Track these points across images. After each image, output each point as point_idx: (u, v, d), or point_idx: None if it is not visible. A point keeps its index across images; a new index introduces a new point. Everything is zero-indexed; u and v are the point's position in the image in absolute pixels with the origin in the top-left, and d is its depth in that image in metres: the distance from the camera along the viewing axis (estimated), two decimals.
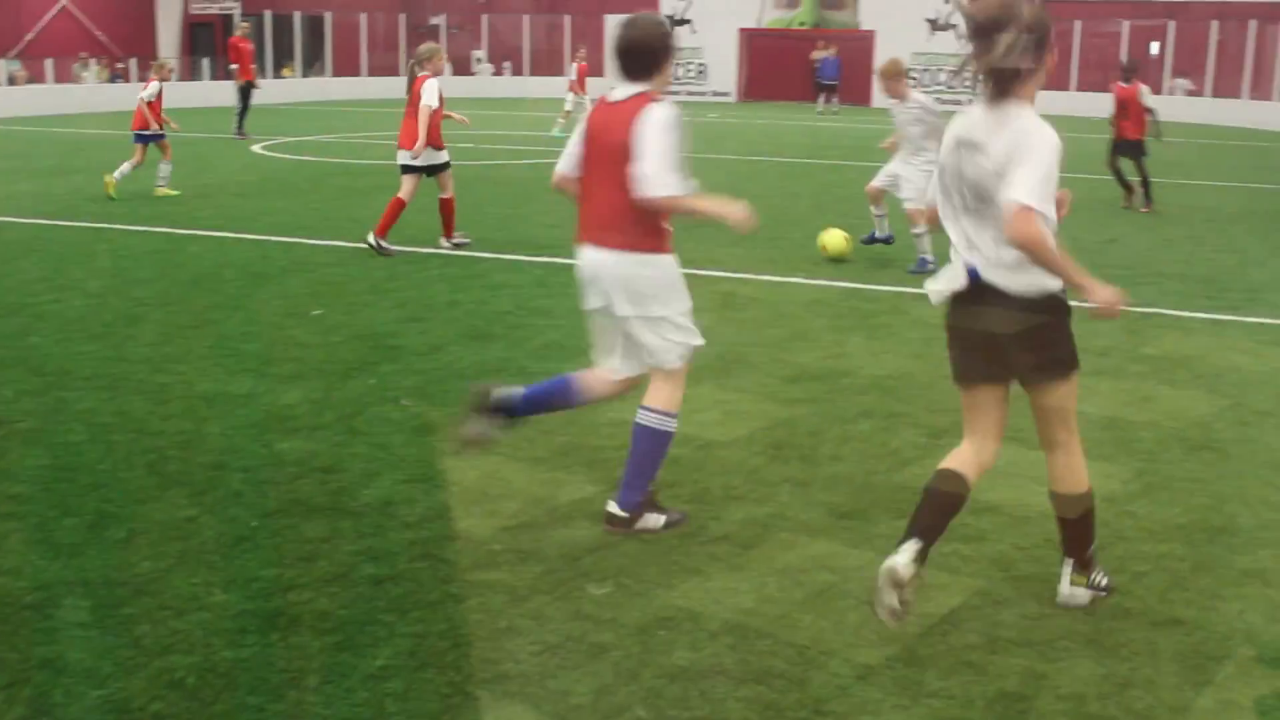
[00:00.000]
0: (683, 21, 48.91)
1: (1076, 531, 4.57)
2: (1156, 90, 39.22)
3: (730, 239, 12.99)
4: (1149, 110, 17.39)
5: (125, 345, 8.40)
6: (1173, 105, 39.54)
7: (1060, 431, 4.43)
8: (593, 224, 5.19)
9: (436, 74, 12.54)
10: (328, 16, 49.75)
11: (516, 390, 5.39)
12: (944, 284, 4.35)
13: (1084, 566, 4.60)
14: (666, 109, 4.99)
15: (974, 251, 4.29)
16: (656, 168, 4.90)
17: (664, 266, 5.16)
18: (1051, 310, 4.28)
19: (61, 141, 26.84)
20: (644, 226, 5.06)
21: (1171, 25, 42.65)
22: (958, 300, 4.35)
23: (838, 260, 12.41)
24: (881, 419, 6.97)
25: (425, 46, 12.81)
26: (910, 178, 11.93)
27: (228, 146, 25.01)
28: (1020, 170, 4.07)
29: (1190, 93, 41.97)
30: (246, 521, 5.20)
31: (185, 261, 11.85)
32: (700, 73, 49.00)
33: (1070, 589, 4.59)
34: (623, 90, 5.13)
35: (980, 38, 4.21)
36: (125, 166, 16.94)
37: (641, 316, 5.18)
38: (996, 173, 4.14)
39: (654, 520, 5.27)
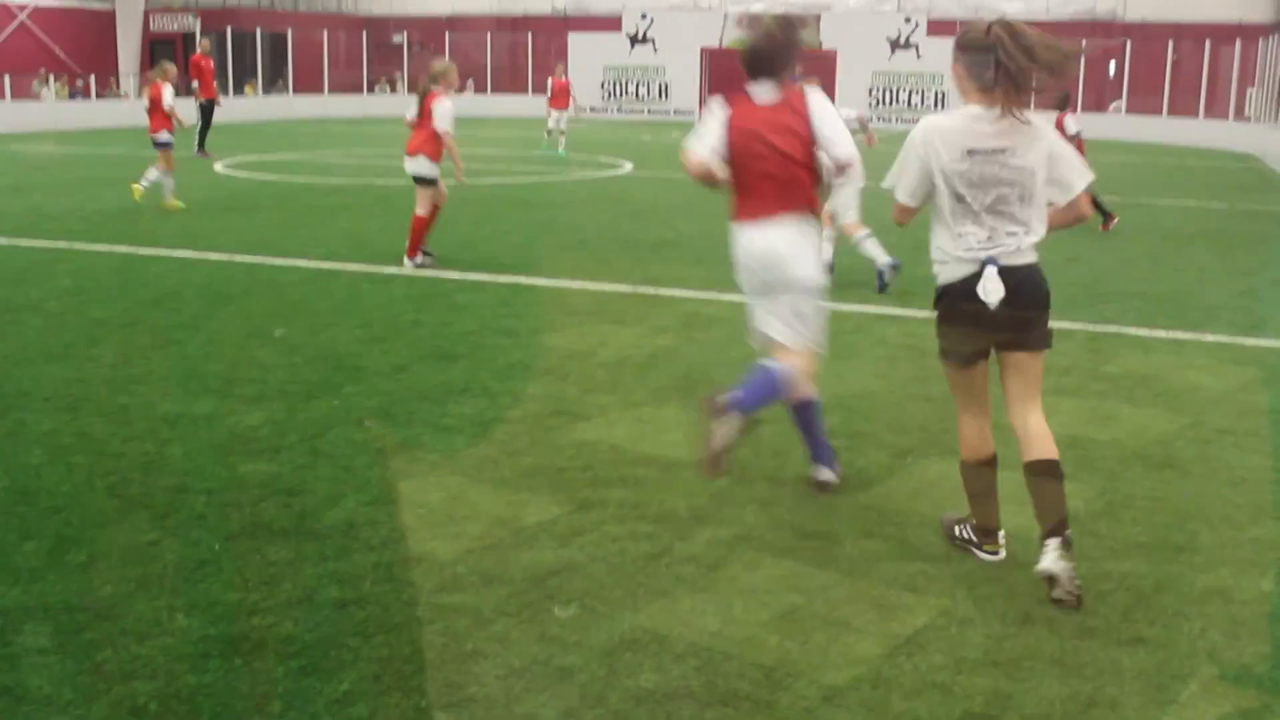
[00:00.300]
0: (644, 40, 49.11)
1: (1058, 502, 4.78)
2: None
3: (693, 258, 13.01)
4: (1074, 136, 18.45)
5: (85, 366, 8.34)
6: (1119, 125, 40.13)
7: (1038, 390, 4.93)
8: (771, 202, 5.79)
9: (449, 89, 12.58)
10: (289, 33, 49.63)
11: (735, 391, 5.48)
12: (993, 294, 4.78)
13: (1067, 545, 4.75)
14: (818, 89, 5.92)
15: (993, 245, 4.77)
16: (846, 136, 5.78)
17: (816, 225, 5.94)
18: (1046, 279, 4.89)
19: (20, 159, 26.63)
20: (813, 196, 5.88)
21: (1129, 45, 43.12)
22: (970, 289, 4.80)
23: None
24: (846, 438, 6.99)
25: (440, 64, 12.83)
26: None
27: (189, 165, 24.88)
28: (1069, 161, 4.79)
29: (1116, 110, 42.94)
30: (209, 545, 5.16)
31: (147, 281, 11.78)
32: (663, 92, 49.16)
33: (1058, 563, 4.71)
34: (766, 90, 5.83)
35: (1033, 56, 4.61)
36: (159, 176, 17.07)
37: (796, 281, 5.82)
38: (1035, 170, 4.73)
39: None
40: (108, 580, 4.77)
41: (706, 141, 5.88)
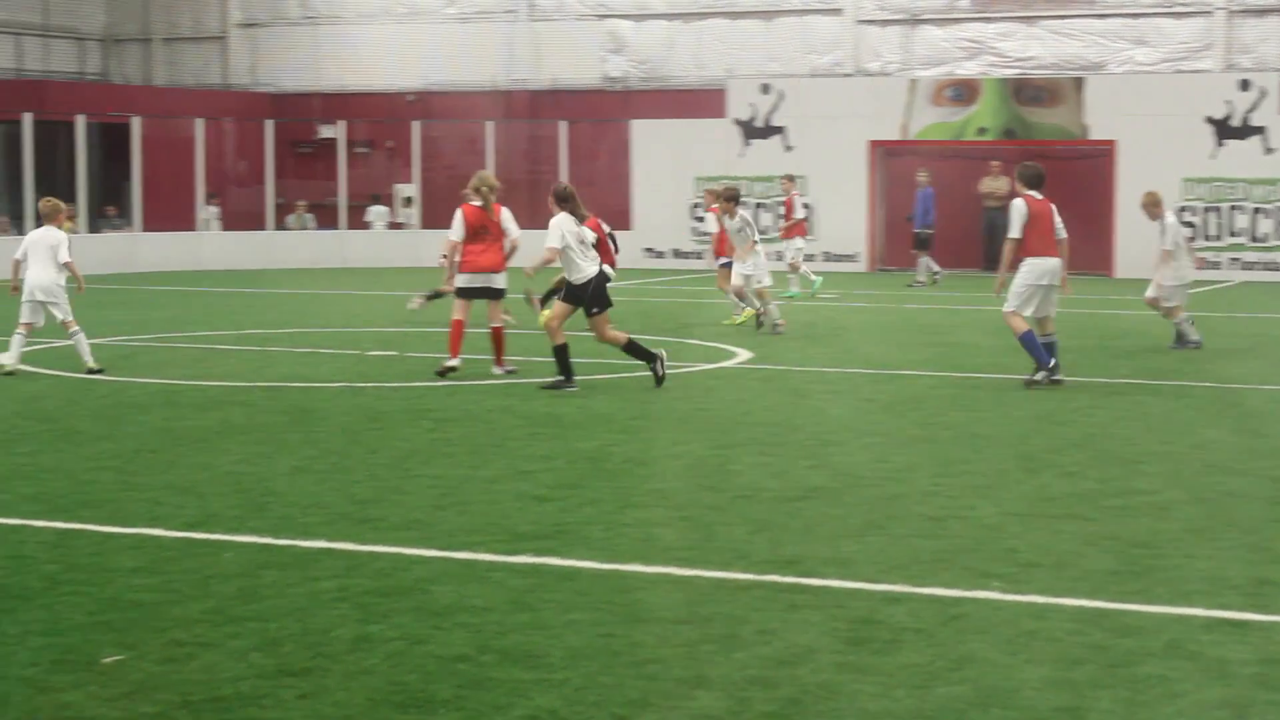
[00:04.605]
0: (767, 130, 30.19)
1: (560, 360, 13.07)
2: None
3: (864, 521, 8.86)
4: None
5: None
6: None
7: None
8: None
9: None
10: (134, 126, 29.73)
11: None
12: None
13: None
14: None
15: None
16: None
17: None
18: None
19: None
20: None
21: None
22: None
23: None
24: None
25: (485, 174, 14.15)
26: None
27: None
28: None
29: None
30: None
31: None
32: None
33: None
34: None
35: None
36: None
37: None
38: None
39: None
40: None
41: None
